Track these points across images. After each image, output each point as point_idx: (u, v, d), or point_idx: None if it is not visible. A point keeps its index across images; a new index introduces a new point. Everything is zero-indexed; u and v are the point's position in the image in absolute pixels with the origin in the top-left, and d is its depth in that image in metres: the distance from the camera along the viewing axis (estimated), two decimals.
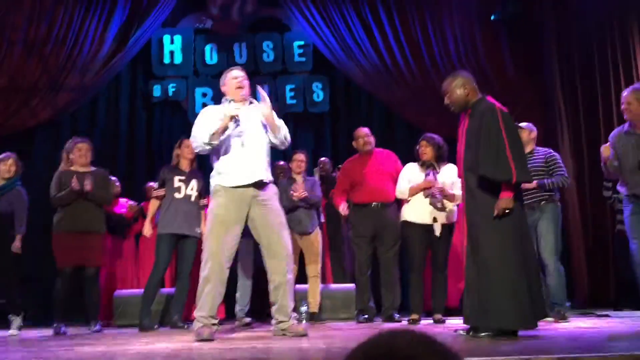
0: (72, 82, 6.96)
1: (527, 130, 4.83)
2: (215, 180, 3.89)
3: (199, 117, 3.96)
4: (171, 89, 7.60)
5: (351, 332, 4.14)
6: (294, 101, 7.66)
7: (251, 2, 7.82)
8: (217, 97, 7.59)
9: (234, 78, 3.97)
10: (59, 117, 7.14)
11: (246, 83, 3.99)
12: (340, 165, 5.75)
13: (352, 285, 5.55)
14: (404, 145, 6.79)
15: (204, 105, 7.56)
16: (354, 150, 5.51)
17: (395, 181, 5.06)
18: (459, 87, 3.60)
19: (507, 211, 3.32)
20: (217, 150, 3.87)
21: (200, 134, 3.79)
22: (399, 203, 5.13)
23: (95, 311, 5.01)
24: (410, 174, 4.96)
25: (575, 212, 6.50)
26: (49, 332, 4.86)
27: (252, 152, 3.86)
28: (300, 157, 5.48)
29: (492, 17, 7.03)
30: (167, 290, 5.80)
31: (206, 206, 5.17)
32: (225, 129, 3.77)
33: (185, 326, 4.96)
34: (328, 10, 7.29)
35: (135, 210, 6.06)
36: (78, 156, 5.01)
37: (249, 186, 3.80)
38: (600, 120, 6.42)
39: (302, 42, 7.73)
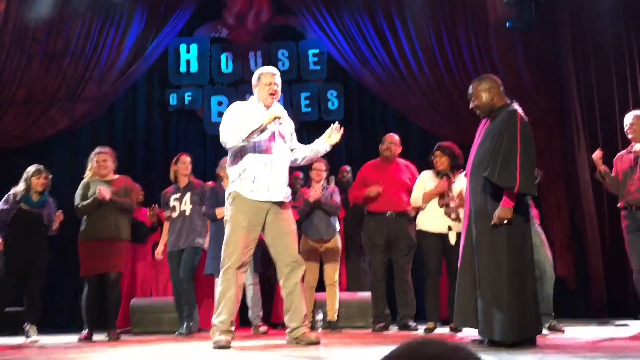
0: (90, 92, 7.06)
1: None
2: (235, 186, 3.82)
3: (228, 113, 3.90)
4: (187, 97, 7.67)
5: (367, 340, 4.13)
6: (308, 109, 7.69)
7: (266, 11, 7.88)
8: None
9: (268, 84, 3.90)
10: (77, 126, 7.23)
11: (279, 89, 3.96)
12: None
13: (367, 294, 5.54)
14: (418, 152, 6.79)
15: (220, 114, 7.65)
16: (368, 158, 5.52)
17: (410, 192, 5.07)
18: (484, 91, 3.50)
19: (505, 222, 3.24)
20: (241, 152, 3.82)
21: (237, 129, 3.72)
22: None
23: (115, 317, 5.06)
24: (425, 183, 4.96)
25: (593, 219, 6.44)
26: (69, 338, 4.90)
27: (277, 166, 3.84)
28: (319, 165, 5.48)
29: (507, 25, 7.00)
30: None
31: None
32: (264, 129, 3.77)
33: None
34: (342, 19, 7.32)
35: (154, 218, 6.10)
36: (97, 167, 5.08)
37: (268, 202, 3.83)
38: (617, 125, 6.36)
39: (317, 50, 7.77)
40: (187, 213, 5.30)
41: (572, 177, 6.65)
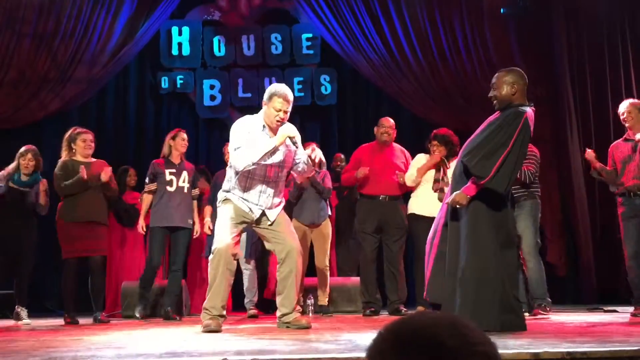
0: (80, 74, 6.99)
1: None
2: (228, 195, 3.87)
3: (237, 132, 3.81)
4: (179, 80, 7.61)
5: (357, 325, 4.14)
6: (301, 94, 7.65)
7: None
8: (225, 90, 7.61)
9: (278, 110, 3.75)
10: (68, 109, 7.17)
11: (287, 116, 3.83)
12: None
13: (358, 279, 5.56)
14: (412, 138, 6.78)
15: (212, 97, 7.61)
16: (361, 144, 5.51)
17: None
18: (508, 84, 3.38)
19: (458, 206, 3.25)
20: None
21: (250, 152, 3.68)
22: (406, 197, 5.13)
23: (100, 300, 5.04)
24: (420, 163, 5.01)
25: (584, 207, 6.47)
26: (58, 321, 4.89)
27: (272, 187, 3.85)
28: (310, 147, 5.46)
29: (501, 11, 6.98)
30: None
31: (198, 196, 5.31)
32: (276, 150, 3.73)
33: (177, 318, 5.00)
34: (337, 3, 7.26)
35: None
36: (83, 147, 5.03)
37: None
38: (610, 114, 6.38)
39: (310, 35, 7.71)
40: (185, 191, 5.21)
41: (564, 165, 6.68)
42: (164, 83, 7.60)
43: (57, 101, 6.98)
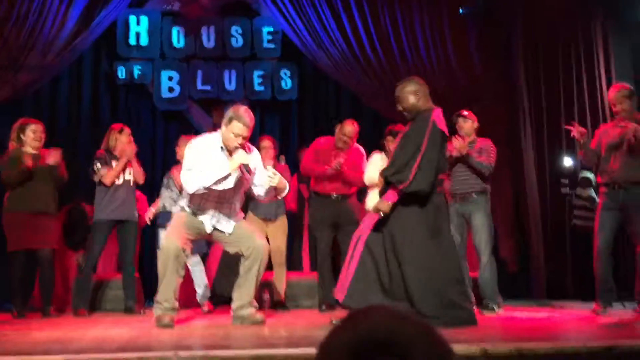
0: (33, 61, 6.74)
1: (471, 120, 4.91)
2: (184, 208, 3.88)
3: (192, 152, 3.78)
4: (137, 71, 7.44)
5: (313, 320, 4.15)
6: (262, 88, 7.60)
7: None
8: (184, 82, 7.49)
9: (237, 135, 3.72)
10: (20, 97, 6.93)
11: (245, 142, 3.80)
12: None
13: (314, 274, 5.57)
14: (371, 135, 6.82)
15: (170, 89, 7.48)
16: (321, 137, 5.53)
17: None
18: (411, 94, 3.56)
19: (382, 214, 3.36)
20: None
21: (202, 176, 3.65)
22: (362, 193, 5.16)
23: (50, 295, 4.91)
24: (378, 164, 5.01)
25: (535, 205, 6.63)
26: (4, 316, 4.74)
27: (226, 209, 3.86)
28: (267, 143, 5.43)
29: (460, 11, 7.08)
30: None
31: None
32: (229, 175, 3.70)
33: (142, 311, 4.94)
34: None
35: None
36: (32, 138, 4.89)
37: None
38: (562, 115, 6.55)
39: (271, 29, 7.66)
40: (131, 184, 5.17)
41: (517, 163, 6.82)
42: (121, 73, 7.42)
43: (8, 89, 6.73)
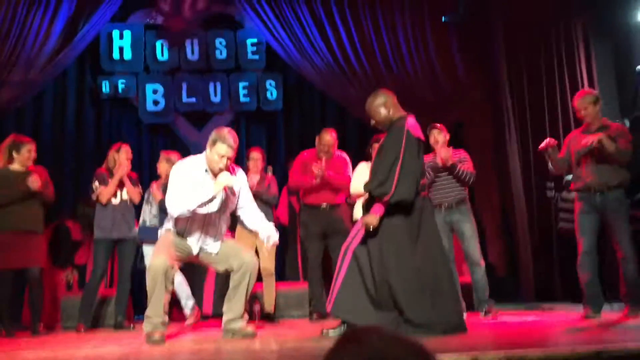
0: (15, 77, 6.70)
1: (444, 132, 4.93)
2: (169, 230, 3.88)
3: (174, 177, 3.77)
4: (121, 85, 7.43)
5: (304, 331, 4.15)
6: (247, 99, 7.61)
7: None
8: (169, 94, 7.48)
9: (222, 156, 3.71)
10: (2, 114, 6.88)
11: (229, 164, 3.79)
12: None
13: (304, 284, 5.57)
14: (356, 144, 6.85)
15: (155, 102, 7.46)
16: (308, 147, 5.53)
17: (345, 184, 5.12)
18: (381, 106, 3.62)
19: (371, 229, 3.40)
20: None
21: (186, 200, 3.63)
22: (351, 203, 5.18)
23: (39, 313, 4.88)
24: (363, 173, 5.01)
25: (522, 209, 6.68)
26: None
27: (212, 231, 3.86)
28: (256, 155, 5.43)
29: (443, 19, 7.15)
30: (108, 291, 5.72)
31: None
32: (213, 198, 3.68)
33: (132, 326, 4.95)
34: (281, 8, 7.26)
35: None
36: (27, 158, 4.86)
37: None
38: (546, 118, 6.62)
39: (255, 40, 7.68)
40: (128, 203, 5.17)
41: (503, 167, 6.88)
42: (105, 87, 7.40)
43: None
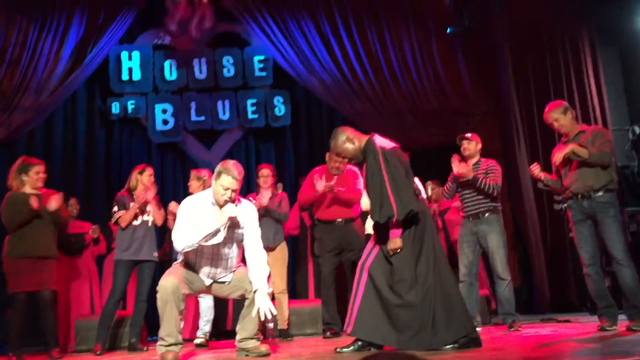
0: (27, 102, 6.81)
1: (475, 141, 4.92)
2: (181, 263, 3.90)
3: (182, 211, 3.79)
4: (130, 106, 7.50)
5: (318, 349, 4.12)
6: (255, 116, 7.65)
7: (209, 17, 7.78)
8: (178, 114, 7.54)
9: (226, 189, 3.70)
10: (14, 138, 6.96)
11: (235, 194, 3.77)
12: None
13: (317, 300, 5.54)
14: None
15: (165, 122, 7.52)
16: (316, 164, 5.53)
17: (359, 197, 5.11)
18: (346, 142, 3.65)
19: (399, 250, 3.43)
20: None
21: (190, 234, 3.65)
22: (363, 217, 5.17)
23: (54, 336, 4.87)
24: None
25: (534, 218, 6.64)
26: None
27: (222, 265, 3.86)
28: (266, 172, 5.44)
29: (448, 31, 7.17)
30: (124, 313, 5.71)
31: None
32: (218, 231, 3.70)
33: (145, 349, 4.91)
34: (287, 25, 7.32)
35: (97, 234, 5.96)
36: (36, 180, 4.87)
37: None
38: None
39: (262, 57, 7.73)
40: (150, 224, 5.17)
41: (514, 178, 6.85)
42: (115, 108, 7.47)
43: (3, 130, 6.78)
